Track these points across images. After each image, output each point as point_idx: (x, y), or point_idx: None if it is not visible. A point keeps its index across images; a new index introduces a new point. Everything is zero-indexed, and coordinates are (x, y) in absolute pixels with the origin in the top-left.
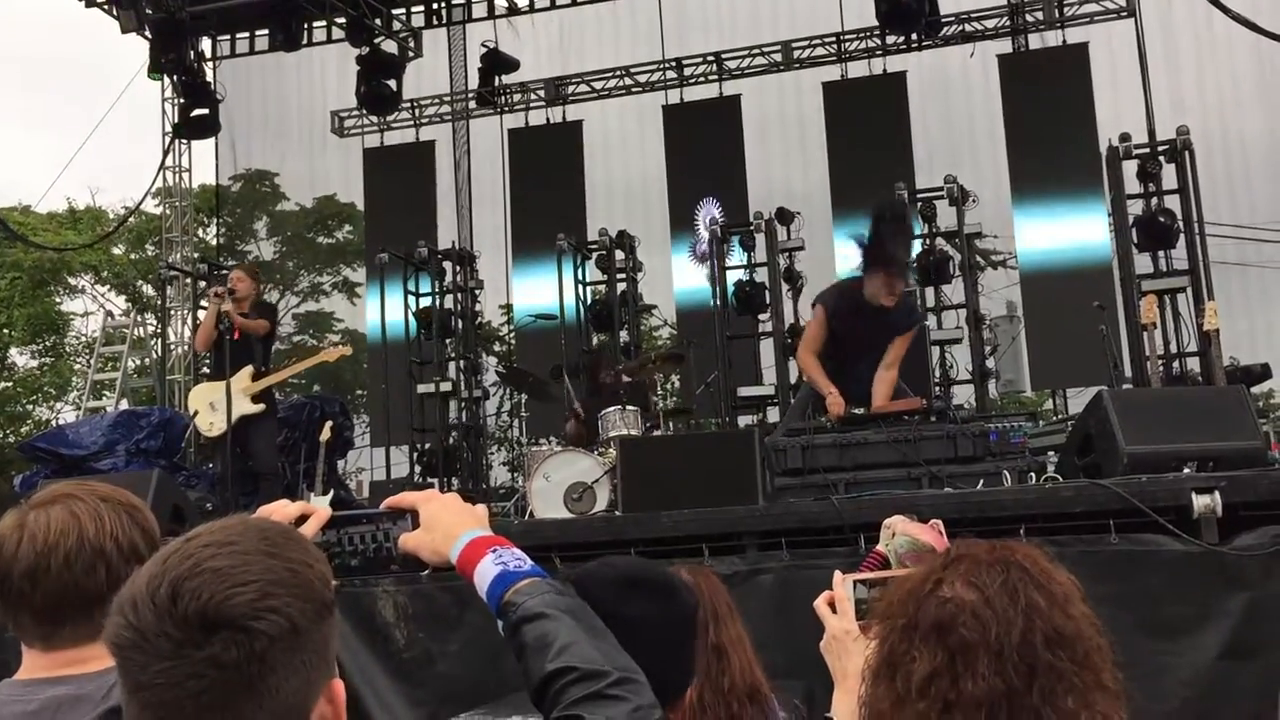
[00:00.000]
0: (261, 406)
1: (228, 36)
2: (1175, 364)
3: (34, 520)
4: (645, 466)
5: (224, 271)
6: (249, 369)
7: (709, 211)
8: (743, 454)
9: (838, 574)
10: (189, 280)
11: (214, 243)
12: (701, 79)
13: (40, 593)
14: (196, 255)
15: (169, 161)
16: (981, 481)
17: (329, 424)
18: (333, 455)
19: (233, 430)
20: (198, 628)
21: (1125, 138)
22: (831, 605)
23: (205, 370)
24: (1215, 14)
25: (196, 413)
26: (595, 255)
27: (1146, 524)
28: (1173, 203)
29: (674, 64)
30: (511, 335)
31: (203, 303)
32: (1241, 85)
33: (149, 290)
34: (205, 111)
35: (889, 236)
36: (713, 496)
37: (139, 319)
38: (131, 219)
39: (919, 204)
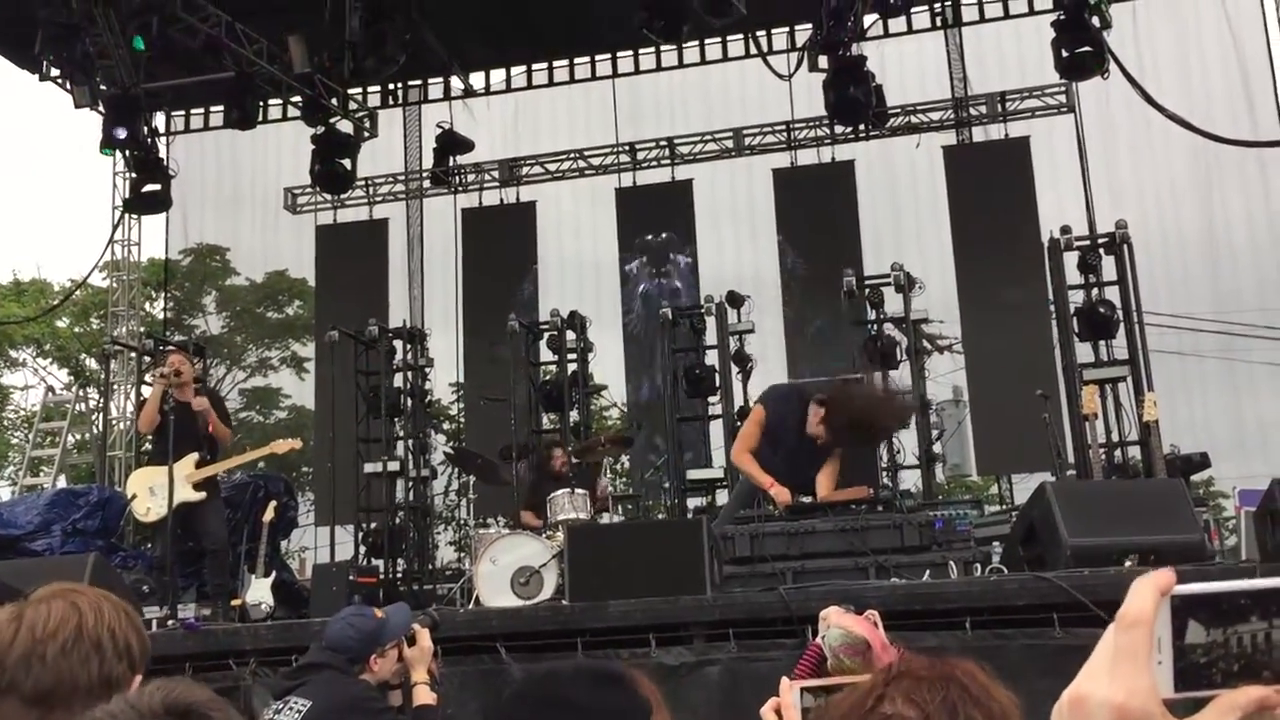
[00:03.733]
0: (203, 495)
1: (182, 112)
2: (1117, 453)
3: (33, 613)
4: (593, 554)
5: (169, 347)
6: (194, 456)
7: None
8: (690, 543)
9: (785, 681)
10: (134, 355)
11: (161, 317)
12: (654, 163)
13: (32, 679)
14: (142, 330)
15: (118, 235)
16: (928, 573)
17: (273, 504)
18: (276, 536)
19: (174, 514)
20: (164, 714)
21: (1066, 230)
22: (778, 712)
23: (146, 449)
24: (1152, 111)
25: (134, 496)
26: (546, 335)
27: (1089, 618)
28: (1112, 294)
29: (627, 148)
30: (461, 414)
31: (146, 378)
32: (1178, 179)
33: (92, 364)
34: (157, 187)
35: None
36: (661, 585)
37: (81, 393)
38: (77, 292)
39: (867, 290)
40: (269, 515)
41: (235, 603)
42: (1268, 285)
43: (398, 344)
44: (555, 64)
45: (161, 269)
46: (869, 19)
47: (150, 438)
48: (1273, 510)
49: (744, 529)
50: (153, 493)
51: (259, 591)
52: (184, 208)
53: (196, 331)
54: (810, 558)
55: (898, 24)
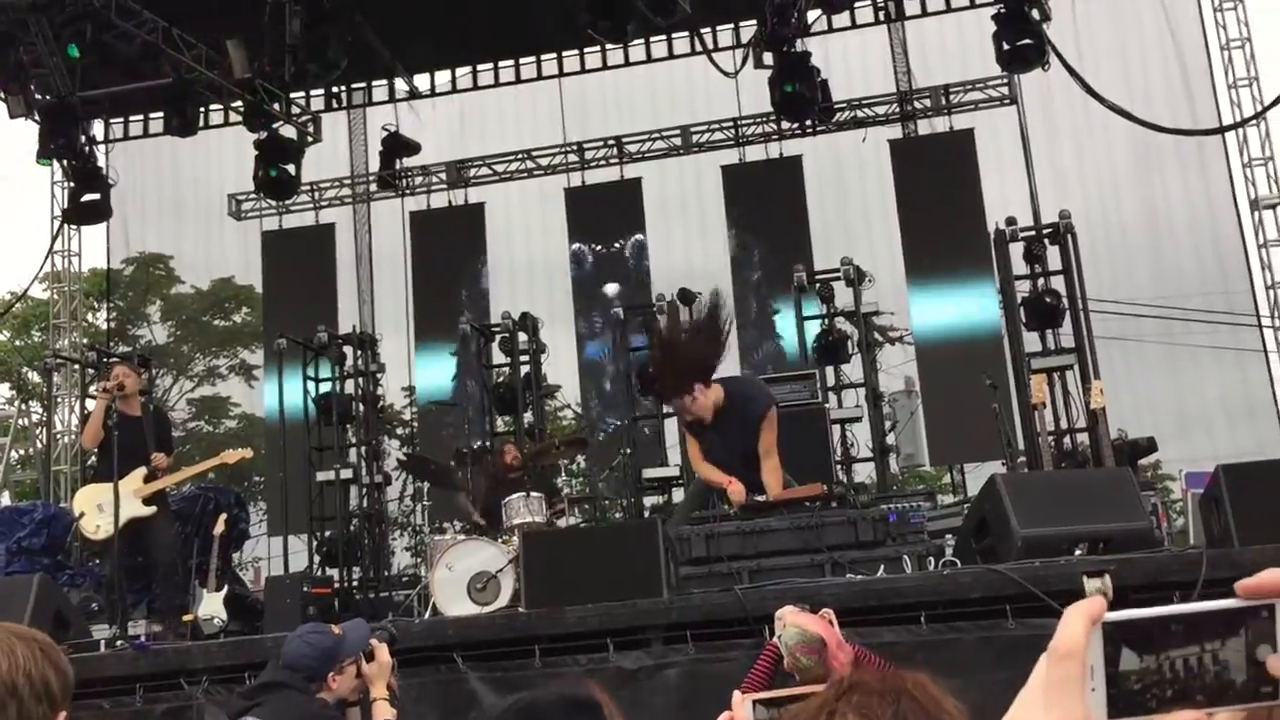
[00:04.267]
0: (153, 509)
1: (121, 119)
2: (1066, 439)
3: None
4: (549, 560)
5: (113, 359)
6: (141, 471)
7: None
8: (646, 546)
9: (736, 694)
10: (77, 367)
11: (104, 327)
12: (603, 162)
13: None
14: (85, 341)
15: (58, 245)
16: (882, 568)
17: (223, 517)
18: (227, 549)
19: (124, 530)
20: None
21: (1011, 221)
22: None
23: (91, 464)
24: (1093, 102)
25: (82, 514)
26: (498, 337)
27: (1042, 608)
28: (1058, 283)
29: (575, 147)
30: (414, 419)
31: (92, 390)
32: (1119, 168)
33: (34, 377)
34: (96, 197)
35: (658, 359)
36: (617, 589)
37: (23, 408)
38: (17, 304)
39: (817, 285)
40: (220, 528)
41: (187, 618)
42: (1208, 270)
43: (348, 350)
44: (501, 64)
45: (103, 279)
46: (812, 14)
47: (95, 453)
48: (1217, 496)
49: (699, 529)
50: (101, 509)
51: (211, 606)
52: (125, 217)
53: (141, 341)
54: (766, 556)
55: (841, 19)
